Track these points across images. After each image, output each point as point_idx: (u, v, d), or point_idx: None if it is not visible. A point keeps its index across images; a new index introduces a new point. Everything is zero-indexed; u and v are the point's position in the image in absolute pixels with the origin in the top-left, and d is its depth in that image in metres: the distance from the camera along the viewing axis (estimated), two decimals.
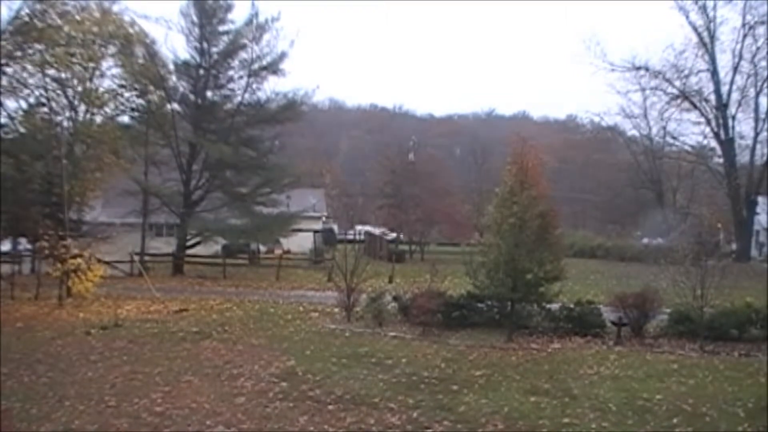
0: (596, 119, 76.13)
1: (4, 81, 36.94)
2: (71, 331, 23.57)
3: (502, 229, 22.77)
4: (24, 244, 41.34)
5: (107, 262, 35.98)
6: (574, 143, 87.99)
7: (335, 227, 69.75)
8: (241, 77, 47.33)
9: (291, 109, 48.43)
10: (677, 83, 62.70)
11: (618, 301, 23.22)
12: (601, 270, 48.23)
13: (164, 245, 50.32)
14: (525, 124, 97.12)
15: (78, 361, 19.05)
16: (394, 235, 66.59)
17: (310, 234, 59.62)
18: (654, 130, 71.08)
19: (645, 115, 69.54)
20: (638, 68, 63.52)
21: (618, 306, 23.11)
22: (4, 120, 39.60)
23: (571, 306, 23.99)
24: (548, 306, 24.00)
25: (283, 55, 46.50)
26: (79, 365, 18.49)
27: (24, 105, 40.14)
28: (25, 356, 19.46)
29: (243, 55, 46.72)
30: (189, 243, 47.46)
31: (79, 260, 29.93)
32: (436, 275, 26.88)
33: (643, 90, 66.38)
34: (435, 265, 28.84)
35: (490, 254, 23.67)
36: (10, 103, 39.97)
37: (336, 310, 27.37)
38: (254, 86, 47.52)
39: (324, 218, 68.23)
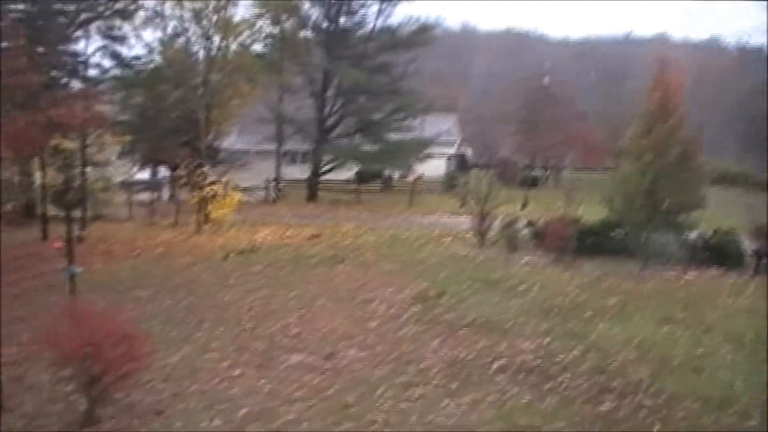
0: (743, 38, 72.09)
1: (142, 13, 37.77)
2: (209, 256, 24.19)
3: (642, 160, 21.93)
4: (163, 172, 42.60)
5: (243, 189, 36.72)
6: (714, 65, 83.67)
7: (469, 152, 69.15)
8: (372, 2, 47.01)
9: (423, 33, 48.09)
10: None
11: (758, 231, 22.18)
12: (739, 200, 46.07)
13: (298, 172, 50.97)
14: (663, 46, 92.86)
15: (216, 285, 19.56)
16: None
17: (443, 160, 59.28)
18: None
19: None
20: None
21: (758, 237, 22.06)
22: (142, 51, 40.59)
23: (709, 235, 23.03)
24: (685, 235, 23.03)
25: None
26: (216, 290, 18.98)
27: (161, 36, 41.00)
28: (165, 281, 20.13)
29: None
30: (322, 169, 47.84)
31: (215, 187, 30.53)
32: (571, 202, 26.23)
33: None
34: (570, 191, 28.16)
35: (627, 183, 22.86)
36: (147, 35, 40.89)
37: (469, 235, 27.16)
38: (386, 11, 47.19)
39: (457, 143, 67.65)
